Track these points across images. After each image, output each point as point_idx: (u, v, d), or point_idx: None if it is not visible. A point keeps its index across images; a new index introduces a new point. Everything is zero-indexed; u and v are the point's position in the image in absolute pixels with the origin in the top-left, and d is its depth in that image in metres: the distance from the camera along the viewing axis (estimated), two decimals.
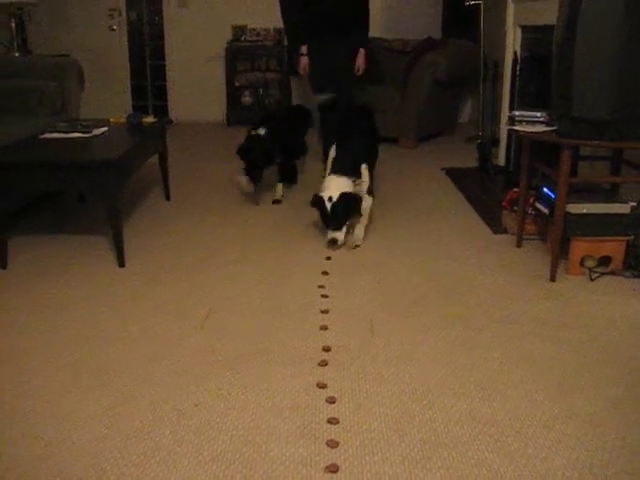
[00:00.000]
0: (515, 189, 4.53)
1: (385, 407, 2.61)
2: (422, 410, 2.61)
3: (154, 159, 5.40)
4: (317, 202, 4.28)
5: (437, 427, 2.50)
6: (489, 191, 5.51)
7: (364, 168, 4.46)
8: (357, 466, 2.29)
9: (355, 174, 4.36)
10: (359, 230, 4.46)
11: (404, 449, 2.38)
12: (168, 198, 5.44)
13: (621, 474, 2.26)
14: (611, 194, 4.12)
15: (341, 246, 4.31)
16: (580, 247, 3.86)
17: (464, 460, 2.32)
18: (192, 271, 3.99)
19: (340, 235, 4.25)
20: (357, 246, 4.37)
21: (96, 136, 4.70)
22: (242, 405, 2.64)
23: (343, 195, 4.19)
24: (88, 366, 2.95)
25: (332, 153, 4.57)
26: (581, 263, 3.90)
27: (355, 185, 4.32)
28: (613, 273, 3.88)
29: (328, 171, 4.46)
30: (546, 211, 4.00)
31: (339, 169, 4.34)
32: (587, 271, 3.87)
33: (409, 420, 2.54)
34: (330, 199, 4.20)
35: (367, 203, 4.43)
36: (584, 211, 3.78)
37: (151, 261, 4.13)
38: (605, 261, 3.91)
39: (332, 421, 2.53)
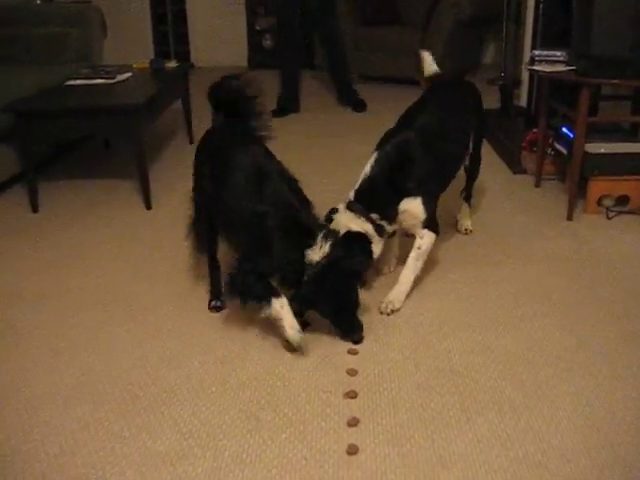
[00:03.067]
0: (535, 130, 4.55)
1: (402, 338, 2.74)
2: (438, 341, 2.73)
3: (177, 104, 5.47)
4: None
5: (452, 357, 2.62)
6: (510, 132, 5.51)
7: (410, 203, 2.91)
8: (375, 392, 2.42)
9: (383, 211, 2.89)
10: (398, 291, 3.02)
11: (419, 377, 2.50)
12: (191, 142, 5.52)
13: (627, 399, 2.37)
14: (630, 134, 4.13)
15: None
16: (598, 186, 3.90)
17: (477, 387, 2.44)
18: None
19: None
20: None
21: (120, 82, 4.79)
22: (265, 336, 2.78)
23: (351, 236, 2.85)
24: (120, 302, 3.10)
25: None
26: (599, 202, 3.94)
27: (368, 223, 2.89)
28: (630, 212, 3.92)
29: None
30: (564, 151, 4.03)
31: (360, 199, 2.91)
32: (604, 210, 3.92)
33: (425, 350, 2.67)
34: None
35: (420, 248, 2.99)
36: (602, 151, 3.80)
37: (177, 203, 4.24)
38: (623, 200, 3.95)
39: (351, 352, 2.66)
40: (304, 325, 2.72)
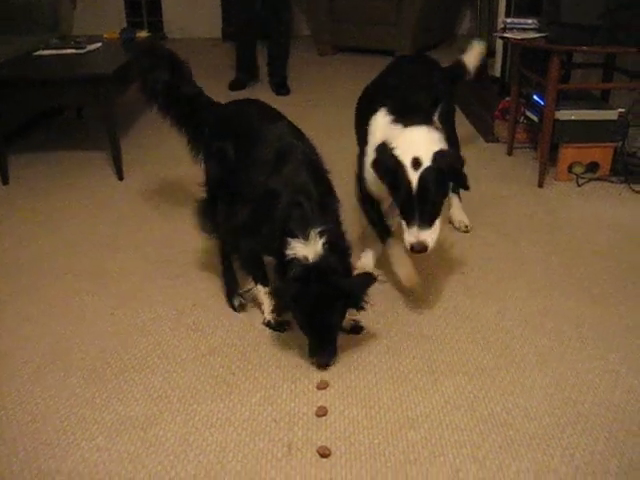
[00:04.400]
0: (507, 98, 4.56)
1: (372, 304, 2.76)
2: (408, 306, 2.76)
3: None
4: (387, 169, 2.46)
5: (422, 321, 2.66)
6: (483, 101, 5.52)
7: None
8: (344, 356, 2.45)
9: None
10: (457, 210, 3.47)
11: (389, 341, 2.54)
12: None
13: (591, 358, 2.42)
14: (601, 101, 4.16)
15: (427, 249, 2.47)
16: (568, 154, 3.93)
17: (445, 350, 2.48)
18: (188, 184, 4.08)
19: (432, 237, 2.42)
20: (466, 227, 3.41)
21: (90, 52, 4.72)
22: (229, 324, 2.79)
23: (441, 157, 2.39)
24: (92, 272, 3.09)
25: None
26: (569, 169, 3.98)
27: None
28: (600, 179, 3.97)
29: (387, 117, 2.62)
30: (536, 118, 4.06)
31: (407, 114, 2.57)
32: (575, 177, 3.96)
33: (395, 316, 2.70)
34: (416, 163, 2.36)
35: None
36: (572, 118, 3.83)
37: (150, 174, 4.22)
38: (593, 167, 3.99)
39: None
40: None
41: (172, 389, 2.32)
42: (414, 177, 2.33)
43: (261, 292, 2.63)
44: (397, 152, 2.39)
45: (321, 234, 2.27)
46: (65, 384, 2.36)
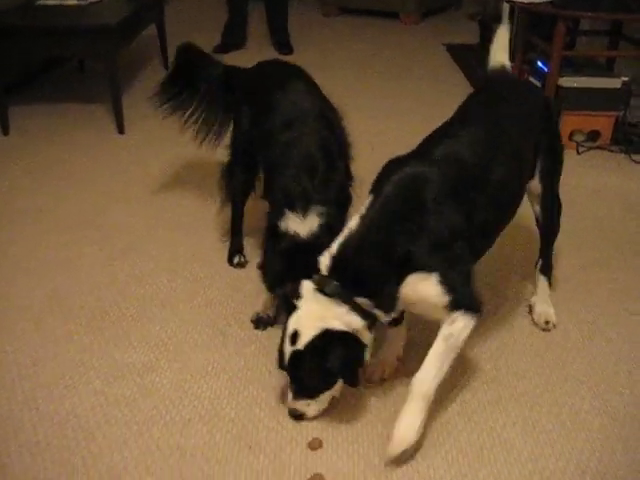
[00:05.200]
0: (511, 64, 4.54)
1: None
2: None
3: (153, 31, 5.37)
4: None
5: None
6: (485, 62, 5.49)
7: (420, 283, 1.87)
8: None
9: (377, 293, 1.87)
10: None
11: None
12: (167, 67, 5.43)
13: (582, 322, 2.46)
14: (605, 69, 4.15)
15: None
16: (570, 121, 3.93)
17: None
18: (191, 139, 4.08)
19: (312, 407, 2.00)
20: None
21: (94, 3, 4.66)
22: (222, 251, 2.83)
23: (324, 339, 1.86)
24: (91, 223, 3.12)
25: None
26: (570, 137, 3.98)
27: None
28: (600, 148, 3.97)
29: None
30: (539, 84, 4.04)
31: (339, 272, 1.88)
32: (575, 145, 3.96)
33: None
34: (294, 338, 1.89)
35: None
36: (575, 85, 3.82)
37: (151, 128, 4.20)
38: (593, 136, 3.99)
39: None
40: None
41: (169, 338, 2.36)
42: (288, 350, 1.90)
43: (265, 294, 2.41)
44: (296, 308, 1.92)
45: (321, 215, 2.21)
46: (63, 331, 2.40)
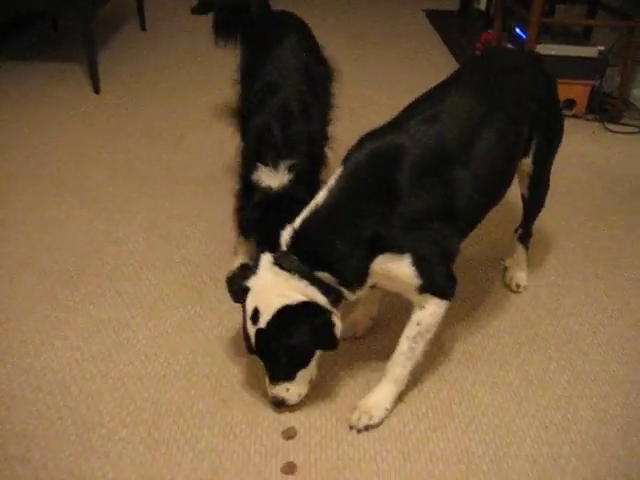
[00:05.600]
0: (490, 30, 4.55)
1: None
2: None
3: None
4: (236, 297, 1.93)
5: None
6: (467, 34, 5.49)
7: (392, 263, 1.79)
8: None
9: (342, 269, 1.78)
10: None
11: None
12: (144, 28, 5.36)
13: (553, 285, 2.52)
14: (582, 38, 4.17)
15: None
16: None
17: None
18: (166, 98, 4.06)
19: (291, 391, 1.88)
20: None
21: None
22: (210, 217, 2.83)
23: (285, 314, 1.77)
24: (67, 183, 3.10)
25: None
26: None
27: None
28: (576, 116, 4.01)
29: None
30: None
31: (300, 247, 1.80)
32: None
33: None
34: (255, 317, 1.80)
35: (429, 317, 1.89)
36: (552, 52, 3.84)
37: (126, 88, 4.17)
38: (569, 104, 4.02)
39: None
40: None
41: (144, 295, 2.37)
42: (252, 331, 1.81)
43: (238, 241, 2.46)
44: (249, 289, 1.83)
45: (291, 168, 2.21)
46: (39, 288, 2.40)
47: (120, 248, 2.62)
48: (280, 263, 1.77)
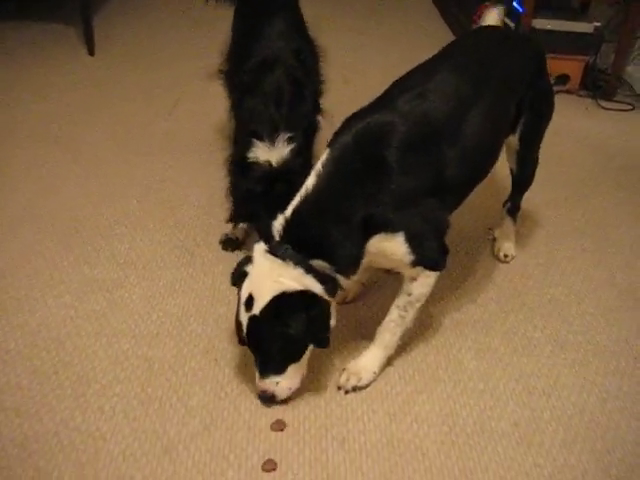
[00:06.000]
0: (487, 3, 4.53)
1: None
2: None
3: None
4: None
5: None
6: (463, 6, 5.47)
7: (386, 242, 1.80)
8: None
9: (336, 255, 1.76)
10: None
11: None
12: None
13: (539, 255, 2.56)
14: (579, 13, 4.16)
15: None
16: None
17: None
18: (162, 64, 4.04)
19: (281, 385, 1.83)
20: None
21: None
22: (204, 181, 2.85)
23: (282, 301, 1.73)
24: (63, 143, 3.11)
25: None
26: None
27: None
28: (569, 92, 4.02)
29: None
30: (513, 25, 4.06)
31: (293, 236, 1.77)
32: None
33: None
34: (249, 303, 1.77)
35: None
36: (549, 27, 3.85)
37: (122, 51, 4.15)
38: (563, 79, 4.03)
39: None
40: None
41: (138, 256, 2.40)
42: (244, 318, 1.77)
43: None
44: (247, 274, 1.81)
45: (289, 140, 2.19)
46: (34, 246, 2.42)
47: (115, 210, 2.65)
48: (274, 252, 1.73)
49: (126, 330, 2.09)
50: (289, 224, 1.75)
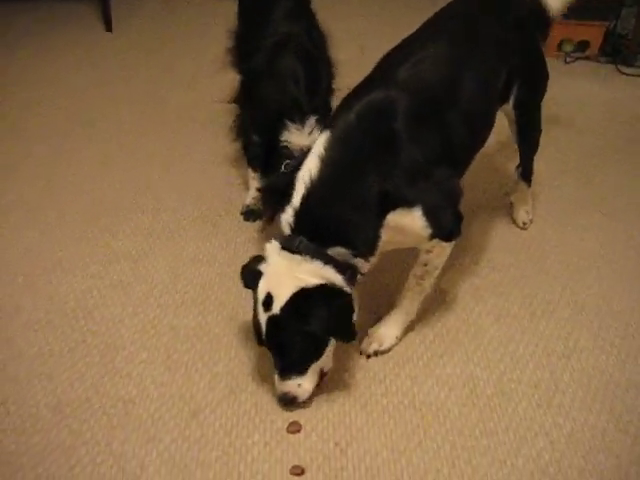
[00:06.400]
0: None
1: None
2: None
3: None
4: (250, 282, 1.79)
5: None
6: None
7: (403, 218, 1.74)
8: None
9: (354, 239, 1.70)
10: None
11: None
12: None
13: (559, 224, 2.57)
14: None
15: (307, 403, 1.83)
16: (559, 30, 3.92)
17: None
18: (178, 39, 4.06)
19: (303, 386, 1.76)
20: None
21: None
22: (223, 154, 2.88)
23: (302, 298, 1.67)
24: (82, 119, 3.16)
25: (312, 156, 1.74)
26: (559, 46, 3.99)
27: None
28: (589, 58, 3.99)
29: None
30: None
31: (305, 226, 1.70)
32: (563, 55, 3.98)
33: None
34: (267, 303, 1.69)
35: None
36: None
37: (139, 27, 4.17)
38: (582, 46, 4.00)
39: None
40: None
41: (161, 228, 2.45)
42: (263, 319, 1.70)
43: (250, 175, 2.52)
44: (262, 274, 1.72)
45: (317, 124, 2.16)
46: (59, 221, 2.48)
47: (137, 182, 2.69)
48: (288, 247, 1.66)
49: (151, 300, 2.14)
50: (299, 214, 1.67)
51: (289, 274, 1.65)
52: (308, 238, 1.65)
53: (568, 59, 3.95)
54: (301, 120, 2.18)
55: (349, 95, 1.81)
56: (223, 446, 1.69)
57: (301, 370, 1.73)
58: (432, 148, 1.75)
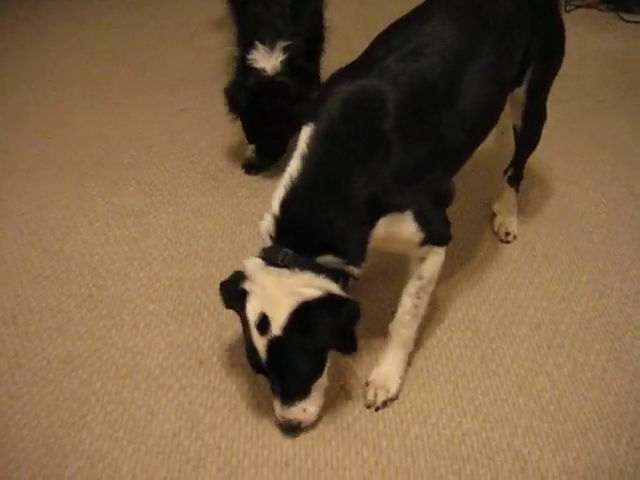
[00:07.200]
0: None
1: None
2: None
3: None
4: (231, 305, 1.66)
5: None
6: None
7: (394, 224, 1.60)
8: None
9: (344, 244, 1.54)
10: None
11: None
12: None
13: (563, 181, 2.58)
14: None
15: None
16: None
17: None
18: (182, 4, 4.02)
19: (309, 410, 1.62)
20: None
21: None
22: (220, 111, 2.81)
23: (305, 312, 1.50)
24: (78, 80, 3.16)
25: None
26: None
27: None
28: (589, 6, 3.94)
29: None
30: None
31: (288, 236, 1.54)
32: (563, 3, 3.92)
33: None
34: (263, 325, 1.51)
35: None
36: None
37: None
38: None
39: None
40: None
41: (163, 184, 2.46)
42: (261, 344, 1.51)
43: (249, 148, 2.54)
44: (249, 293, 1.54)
45: (286, 49, 2.22)
46: (61, 180, 2.50)
47: (137, 141, 2.70)
48: (273, 260, 1.49)
49: (156, 254, 2.16)
50: (280, 222, 1.50)
51: (283, 290, 1.48)
52: (292, 249, 1.49)
53: (568, 7, 3.91)
54: (271, 43, 2.25)
55: (336, 76, 1.64)
56: (231, 392, 1.73)
57: (305, 392, 1.58)
58: (425, 150, 1.59)
